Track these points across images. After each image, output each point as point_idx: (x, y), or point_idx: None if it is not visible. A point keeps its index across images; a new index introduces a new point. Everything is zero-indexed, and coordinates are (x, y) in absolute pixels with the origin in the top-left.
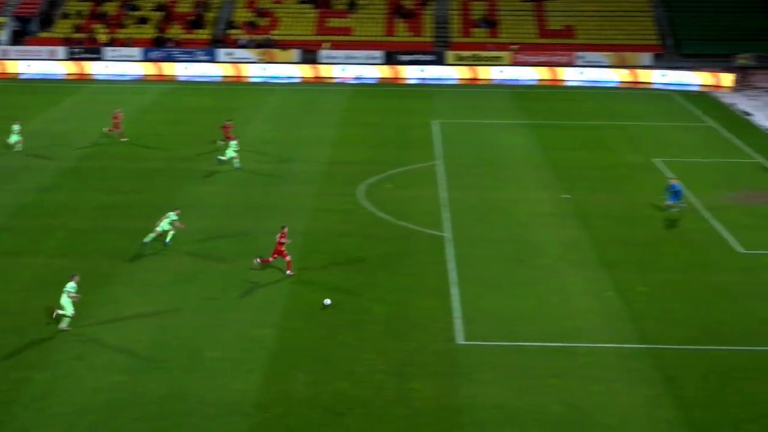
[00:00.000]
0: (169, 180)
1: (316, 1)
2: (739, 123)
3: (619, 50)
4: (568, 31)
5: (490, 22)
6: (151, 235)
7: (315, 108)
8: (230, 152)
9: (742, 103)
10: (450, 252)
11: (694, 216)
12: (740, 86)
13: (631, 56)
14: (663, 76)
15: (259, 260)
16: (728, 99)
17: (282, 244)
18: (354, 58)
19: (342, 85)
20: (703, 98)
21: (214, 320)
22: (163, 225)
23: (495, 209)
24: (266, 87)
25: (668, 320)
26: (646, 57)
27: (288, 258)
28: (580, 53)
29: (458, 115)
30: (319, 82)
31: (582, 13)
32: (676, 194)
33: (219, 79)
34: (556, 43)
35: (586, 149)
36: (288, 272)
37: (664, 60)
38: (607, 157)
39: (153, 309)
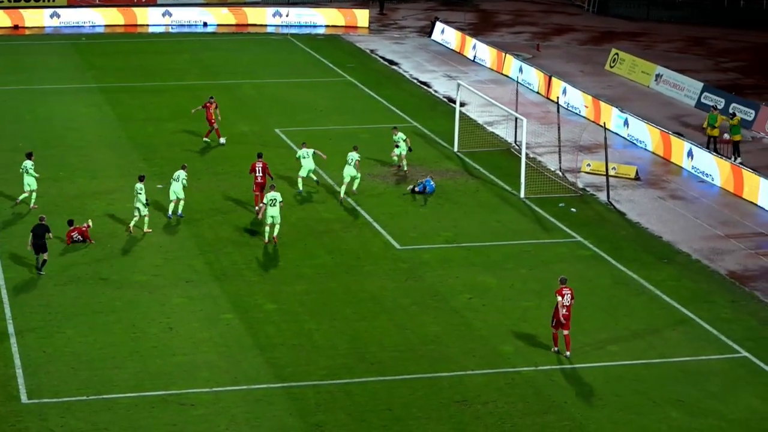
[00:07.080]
0: None
1: None
2: (384, 75)
3: None
4: None
5: None
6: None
7: None
8: None
9: (383, 48)
10: None
11: (336, 205)
12: (380, 26)
13: None
14: (277, 16)
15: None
16: (366, 43)
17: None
18: None
19: None
20: (334, 44)
21: None
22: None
23: (62, 209)
24: None
25: (307, 347)
26: None
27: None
28: None
29: None
30: None
31: None
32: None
33: None
34: None
35: (181, 119)
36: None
37: None
38: None
39: None
